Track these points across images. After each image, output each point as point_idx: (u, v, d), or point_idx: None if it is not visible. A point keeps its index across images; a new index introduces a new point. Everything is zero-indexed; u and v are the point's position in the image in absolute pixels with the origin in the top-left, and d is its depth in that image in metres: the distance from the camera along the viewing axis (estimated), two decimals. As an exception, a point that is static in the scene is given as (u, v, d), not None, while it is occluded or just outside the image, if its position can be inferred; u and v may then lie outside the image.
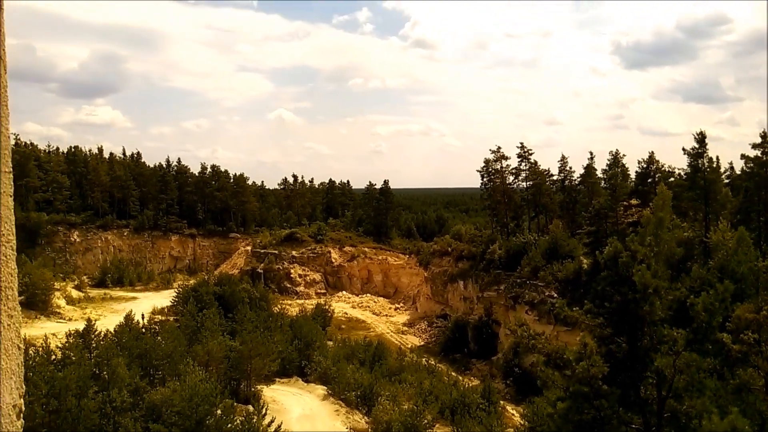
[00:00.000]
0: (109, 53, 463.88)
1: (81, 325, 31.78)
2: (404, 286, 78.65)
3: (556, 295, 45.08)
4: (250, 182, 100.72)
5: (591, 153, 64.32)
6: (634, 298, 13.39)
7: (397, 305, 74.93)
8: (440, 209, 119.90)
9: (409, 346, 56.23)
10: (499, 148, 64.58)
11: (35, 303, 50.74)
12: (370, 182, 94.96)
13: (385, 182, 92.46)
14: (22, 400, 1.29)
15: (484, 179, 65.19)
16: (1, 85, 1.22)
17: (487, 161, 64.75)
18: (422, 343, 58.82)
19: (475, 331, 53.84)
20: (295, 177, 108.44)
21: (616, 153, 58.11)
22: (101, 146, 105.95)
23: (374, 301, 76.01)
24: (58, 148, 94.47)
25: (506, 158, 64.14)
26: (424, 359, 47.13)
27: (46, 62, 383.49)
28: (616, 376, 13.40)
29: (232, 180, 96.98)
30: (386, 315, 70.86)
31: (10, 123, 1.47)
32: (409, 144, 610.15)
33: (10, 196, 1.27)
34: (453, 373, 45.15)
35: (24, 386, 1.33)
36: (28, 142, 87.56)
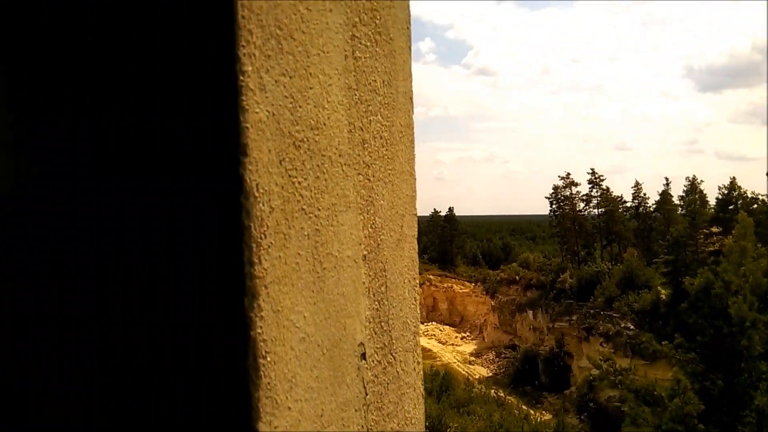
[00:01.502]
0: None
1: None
2: (470, 314, 77.34)
3: (632, 326, 43.23)
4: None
5: (666, 179, 61.96)
6: (730, 331, 12.62)
7: (463, 334, 73.74)
8: (506, 237, 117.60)
9: (477, 376, 55.05)
10: (569, 174, 63.36)
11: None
12: (434, 209, 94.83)
13: (450, 209, 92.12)
14: None
15: (553, 206, 63.87)
16: (411, 125, 1.21)
17: (556, 188, 63.53)
18: (490, 374, 57.48)
19: (546, 362, 52.19)
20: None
21: (693, 179, 55.77)
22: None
23: (440, 330, 75.10)
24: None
25: (576, 184, 62.78)
26: (492, 391, 46.02)
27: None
28: (712, 415, 12.61)
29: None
30: (452, 344, 69.84)
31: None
32: (473, 171, 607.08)
33: (416, 238, 1.26)
34: (524, 407, 43.79)
35: None
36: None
